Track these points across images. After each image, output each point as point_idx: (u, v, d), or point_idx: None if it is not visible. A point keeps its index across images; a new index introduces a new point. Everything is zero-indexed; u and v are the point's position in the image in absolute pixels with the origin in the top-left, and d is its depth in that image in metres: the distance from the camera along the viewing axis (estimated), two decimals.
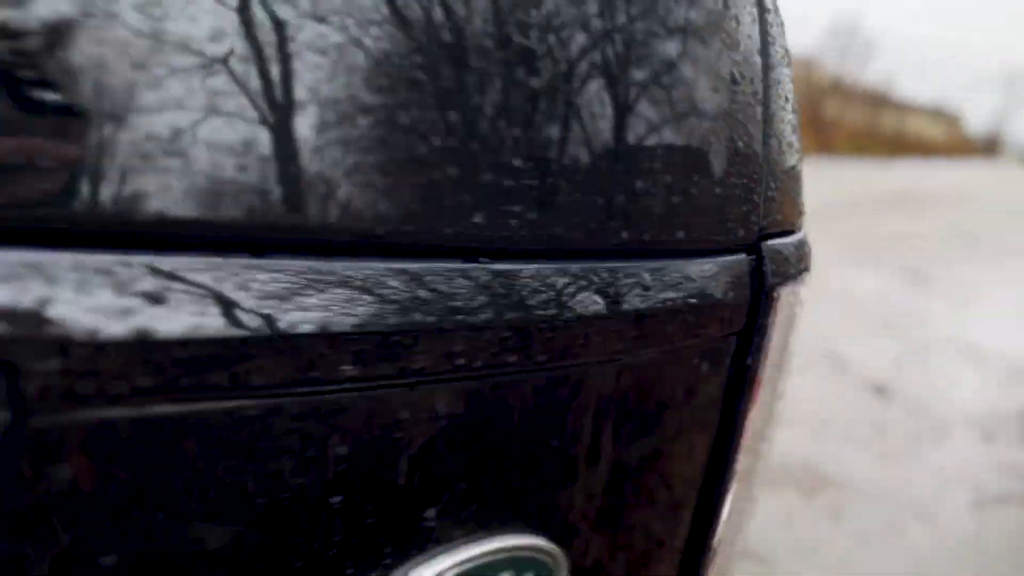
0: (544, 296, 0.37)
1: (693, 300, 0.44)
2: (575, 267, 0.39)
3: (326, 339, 0.31)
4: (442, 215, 0.33)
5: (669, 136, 0.41)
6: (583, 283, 0.39)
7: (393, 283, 0.33)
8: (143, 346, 0.27)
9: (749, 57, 0.46)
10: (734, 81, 0.44)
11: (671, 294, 0.43)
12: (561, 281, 0.38)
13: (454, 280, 0.35)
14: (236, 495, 0.31)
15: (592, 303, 0.39)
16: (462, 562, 0.38)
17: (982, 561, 2.37)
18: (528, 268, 0.37)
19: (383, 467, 0.35)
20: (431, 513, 0.37)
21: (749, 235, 0.47)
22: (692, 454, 0.49)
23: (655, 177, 0.40)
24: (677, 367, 0.45)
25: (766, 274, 0.48)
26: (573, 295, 0.38)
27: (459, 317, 0.34)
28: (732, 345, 0.48)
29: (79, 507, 0.28)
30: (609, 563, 0.47)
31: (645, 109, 0.40)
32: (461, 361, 0.35)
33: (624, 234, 0.40)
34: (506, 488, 0.40)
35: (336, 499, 0.34)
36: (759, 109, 0.47)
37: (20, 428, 0.26)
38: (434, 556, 0.38)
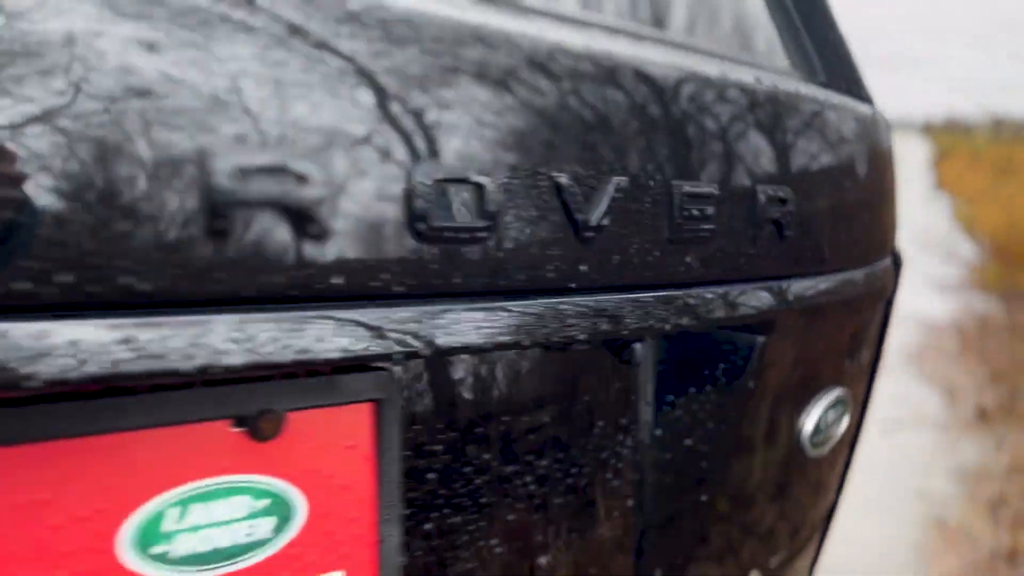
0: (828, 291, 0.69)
1: (882, 281, 0.78)
2: (838, 277, 0.70)
3: None
4: (752, 263, 0.57)
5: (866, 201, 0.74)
6: (847, 283, 0.71)
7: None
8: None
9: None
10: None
11: (875, 280, 0.77)
12: (823, 284, 0.68)
13: (761, 296, 0.61)
14: None
15: (849, 288, 0.72)
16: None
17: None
18: (814, 282, 0.67)
19: None
20: None
21: (892, 245, 0.82)
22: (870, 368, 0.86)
23: (873, 224, 0.75)
24: (874, 317, 0.82)
25: (899, 266, 0.83)
26: (839, 289, 0.70)
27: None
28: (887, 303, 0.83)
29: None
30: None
31: (848, 192, 0.70)
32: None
33: (855, 254, 0.73)
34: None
35: None
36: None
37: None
38: None
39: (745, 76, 0.58)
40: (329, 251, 0.39)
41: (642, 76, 0.50)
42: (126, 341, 0.34)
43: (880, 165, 0.74)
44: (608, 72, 0.49)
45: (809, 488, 0.78)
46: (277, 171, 0.37)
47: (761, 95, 0.58)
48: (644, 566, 0.63)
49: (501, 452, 0.54)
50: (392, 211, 0.40)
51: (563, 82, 0.47)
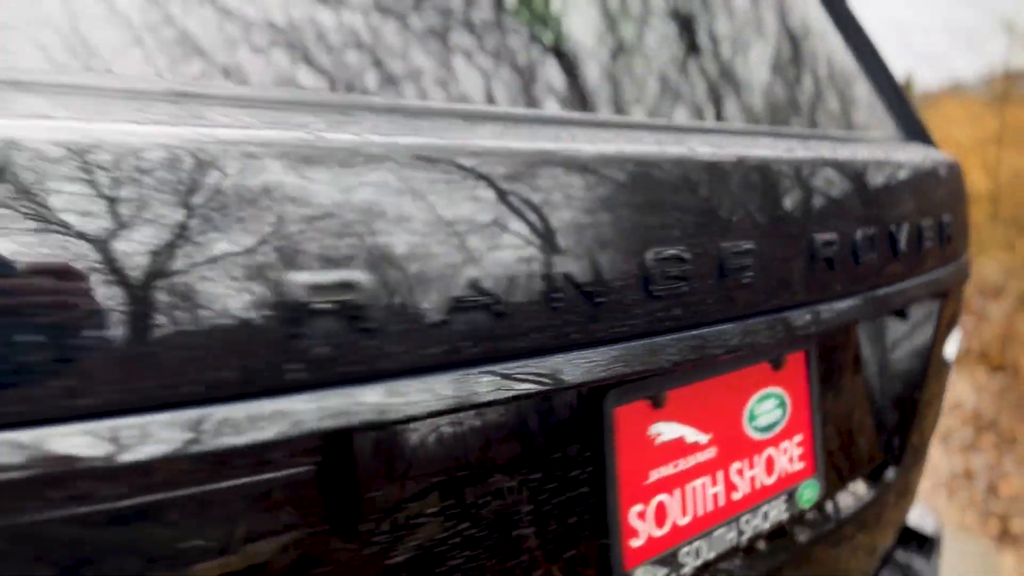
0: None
1: (958, 274, 1.09)
2: (955, 263, 1.04)
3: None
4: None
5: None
6: (959, 267, 1.08)
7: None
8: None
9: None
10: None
11: (965, 265, 1.10)
12: (952, 269, 1.04)
13: (935, 275, 0.97)
14: None
15: (959, 269, 1.09)
16: None
17: None
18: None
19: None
20: None
21: (966, 249, 1.10)
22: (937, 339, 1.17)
23: (962, 233, 1.13)
24: (951, 303, 1.12)
25: (969, 264, 1.14)
26: (957, 270, 1.08)
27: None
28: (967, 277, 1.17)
29: None
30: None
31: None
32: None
33: (959, 250, 1.07)
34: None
35: None
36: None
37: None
38: None
39: (889, 153, 1.03)
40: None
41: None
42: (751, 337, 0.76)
43: (962, 193, 1.18)
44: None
45: (941, 402, 1.21)
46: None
47: (902, 163, 1.03)
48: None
49: (852, 378, 0.97)
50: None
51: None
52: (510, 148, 0.55)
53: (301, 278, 0.44)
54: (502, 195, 0.53)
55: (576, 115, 0.73)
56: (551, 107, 0.73)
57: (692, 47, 0.94)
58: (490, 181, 0.53)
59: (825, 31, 1.22)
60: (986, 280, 7.25)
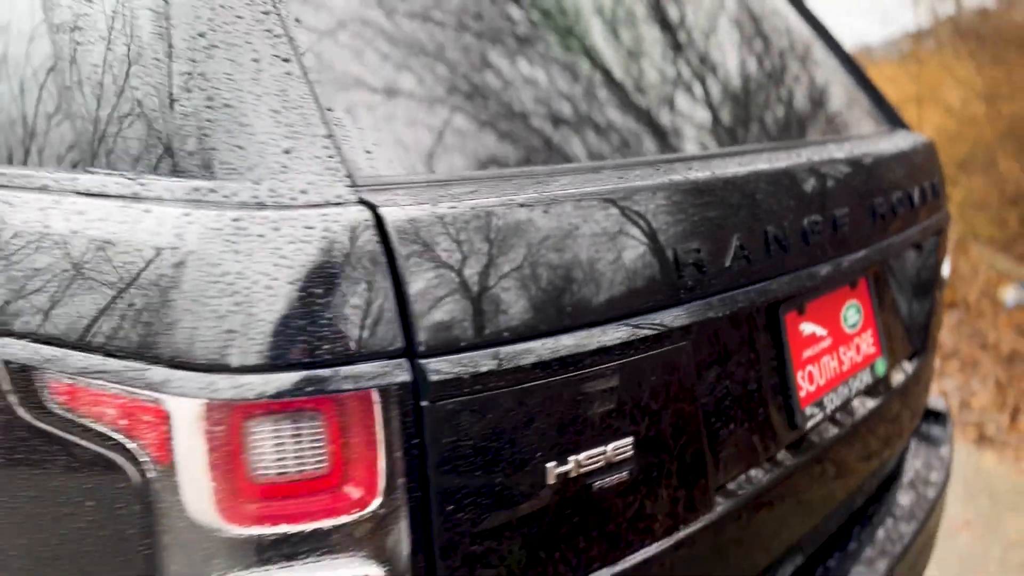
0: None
1: (946, 218, 1.59)
2: (942, 212, 1.52)
3: None
4: None
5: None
6: (944, 217, 1.91)
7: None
8: None
9: None
10: None
11: (943, 218, 1.61)
12: (943, 215, 1.64)
13: (931, 220, 1.51)
14: None
15: (944, 217, 1.64)
16: None
17: None
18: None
19: None
20: None
21: (946, 200, 1.58)
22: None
23: (943, 191, 1.97)
24: (943, 238, 1.62)
25: (949, 210, 1.61)
26: (943, 218, 1.72)
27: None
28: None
29: None
30: None
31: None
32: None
33: (943, 205, 1.54)
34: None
35: None
36: None
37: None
38: None
39: (888, 144, 1.53)
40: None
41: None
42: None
43: (938, 161, 1.68)
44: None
45: (942, 307, 1.71)
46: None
47: (901, 148, 1.53)
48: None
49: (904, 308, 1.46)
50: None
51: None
52: (719, 175, 1.03)
53: (689, 246, 0.92)
54: (751, 209, 1.02)
55: (712, 150, 1.21)
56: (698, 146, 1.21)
57: (745, 90, 1.44)
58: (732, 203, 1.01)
59: (814, 45, 1.72)
60: None
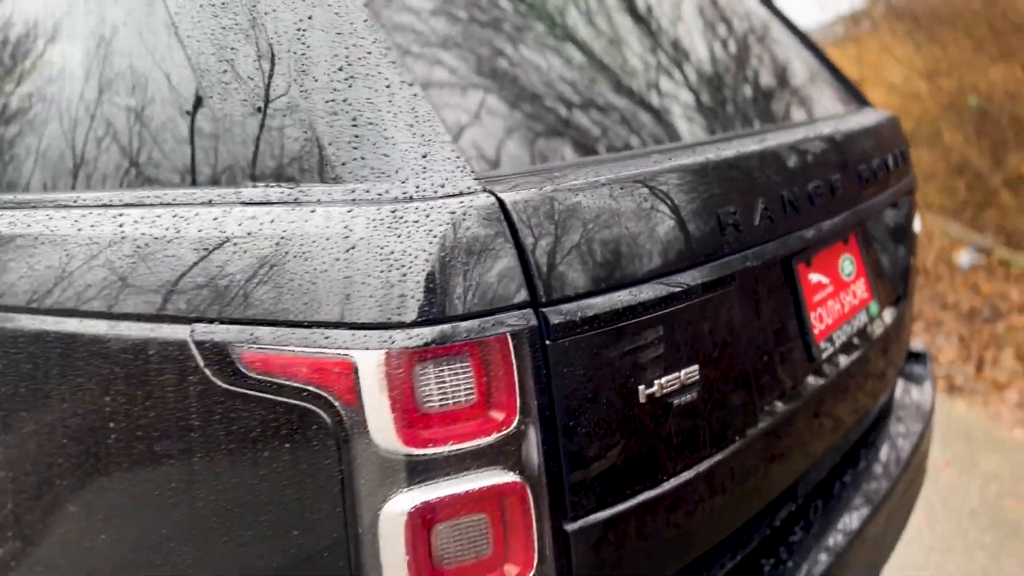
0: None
1: (913, 179, 2.00)
2: (911, 176, 1.78)
3: None
4: None
5: None
6: (913, 179, 1.82)
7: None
8: None
9: None
10: None
11: (911, 180, 2.11)
12: (912, 178, 1.77)
13: (901, 183, 1.74)
14: None
15: (911, 179, 1.95)
16: None
17: None
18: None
19: None
20: None
21: (912, 166, 1.85)
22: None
23: (908, 158, 2.06)
24: (913, 196, 1.89)
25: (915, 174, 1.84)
26: (912, 180, 1.77)
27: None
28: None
29: None
30: None
31: None
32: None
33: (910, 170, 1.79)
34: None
35: None
36: None
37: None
38: None
39: (857, 121, 1.79)
40: None
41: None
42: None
43: (903, 132, 1.94)
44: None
45: (916, 258, 1.96)
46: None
47: (876, 122, 1.78)
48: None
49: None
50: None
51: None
52: (728, 156, 1.27)
53: (728, 210, 1.15)
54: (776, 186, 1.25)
55: (722, 135, 1.45)
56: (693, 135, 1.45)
57: (737, 83, 1.68)
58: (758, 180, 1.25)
59: (793, 43, 1.97)
60: None
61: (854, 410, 1.56)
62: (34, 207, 1.28)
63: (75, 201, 1.23)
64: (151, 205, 1.14)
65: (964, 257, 6.23)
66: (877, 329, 1.65)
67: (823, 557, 1.40)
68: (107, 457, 1.12)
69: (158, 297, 1.07)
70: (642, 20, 1.54)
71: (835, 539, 1.44)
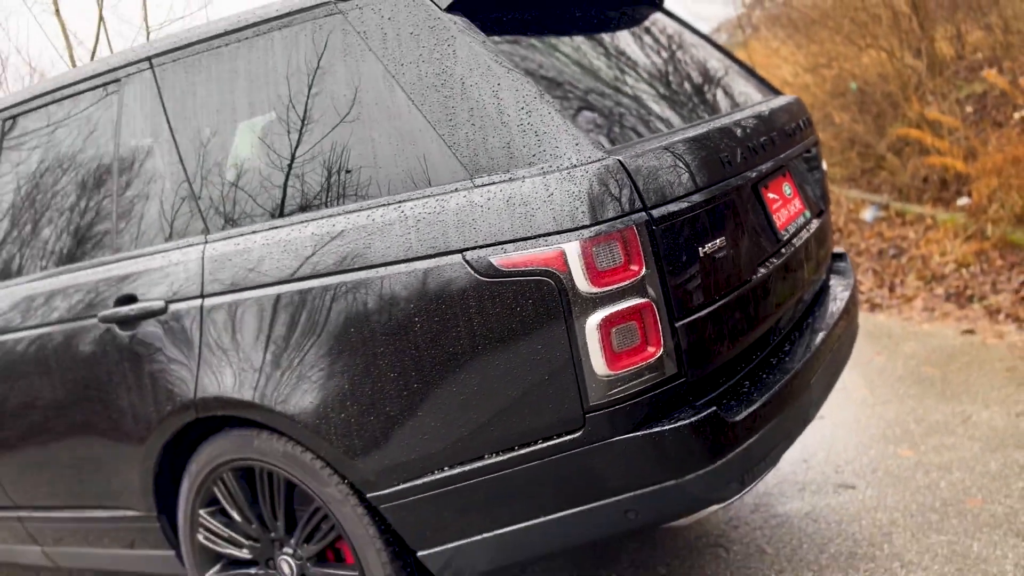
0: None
1: (816, 136, 2.90)
2: (814, 133, 2.79)
3: None
4: None
5: None
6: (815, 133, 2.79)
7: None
8: None
9: None
10: None
11: (815, 137, 2.89)
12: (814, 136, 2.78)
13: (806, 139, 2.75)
14: None
15: (813, 133, 2.82)
16: None
17: None
18: None
19: None
20: None
21: (814, 128, 2.86)
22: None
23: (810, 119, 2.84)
24: (819, 147, 2.97)
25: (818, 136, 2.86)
26: (812, 131, 2.82)
27: None
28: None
29: None
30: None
31: None
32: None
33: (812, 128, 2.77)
34: None
35: None
36: None
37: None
38: None
39: (768, 105, 2.80)
40: None
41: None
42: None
43: (805, 107, 2.95)
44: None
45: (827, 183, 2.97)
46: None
47: (788, 103, 2.79)
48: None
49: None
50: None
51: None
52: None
53: (723, 154, 2.14)
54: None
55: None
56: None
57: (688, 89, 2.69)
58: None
59: (702, 46, 2.98)
60: None
61: (808, 272, 2.56)
62: (359, 210, 2.17)
63: (390, 203, 2.13)
64: (427, 197, 2.04)
65: (867, 214, 7.42)
66: (812, 227, 2.65)
67: (805, 354, 2.37)
68: (431, 343, 2.00)
69: (438, 242, 1.98)
70: (654, 57, 2.53)
71: (811, 344, 2.42)
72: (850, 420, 3.63)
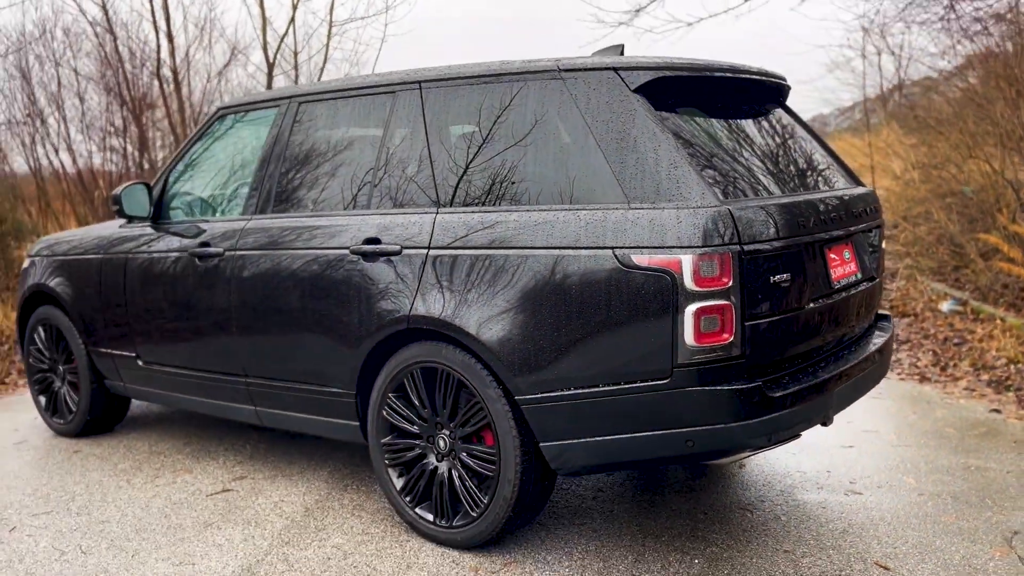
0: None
1: (879, 221, 3.89)
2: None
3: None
4: None
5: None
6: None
7: None
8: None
9: None
10: None
11: (881, 220, 3.83)
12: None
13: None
14: None
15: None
16: None
17: None
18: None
19: None
20: None
21: (880, 214, 3.86)
22: None
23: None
24: (882, 227, 3.83)
25: (883, 220, 3.82)
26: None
27: None
28: None
29: None
30: None
31: None
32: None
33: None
34: None
35: None
36: None
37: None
38: None
39: None
40: None
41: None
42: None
43: (876, 196, 3.85)
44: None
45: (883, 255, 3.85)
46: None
47: (865, 192, 3.73)
48: None
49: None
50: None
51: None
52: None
53: (799, 220, 3.12)
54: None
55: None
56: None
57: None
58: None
59: (808, 140, 3.93)
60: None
61: (851, 316, 3.49)
62: (525, 212, 3.22)
63: (555, 208, 3.18)
64: (596, 209, 3.08)
65: (945, 306, 8.14)
66: (861, 286, 3.58)
67: (834, 372, 3.30)
68: (580, 304, 3.03)
69: (599, 240, 3.00)
70: (769, 140, 3.52)
71: (841, 367, 3.35)
72: (873, 452, 4.50)
